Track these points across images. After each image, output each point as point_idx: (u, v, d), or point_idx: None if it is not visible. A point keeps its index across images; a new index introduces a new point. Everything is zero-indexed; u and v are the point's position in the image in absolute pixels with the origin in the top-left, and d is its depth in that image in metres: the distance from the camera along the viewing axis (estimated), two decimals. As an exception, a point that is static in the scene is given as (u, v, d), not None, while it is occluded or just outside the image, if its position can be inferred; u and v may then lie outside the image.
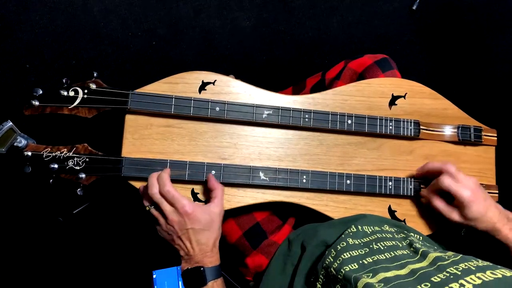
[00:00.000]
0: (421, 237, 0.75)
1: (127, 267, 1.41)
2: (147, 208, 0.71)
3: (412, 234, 0.74)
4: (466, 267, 0.51)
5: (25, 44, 1.40)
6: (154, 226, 0.73)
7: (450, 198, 0.76)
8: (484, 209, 0.72)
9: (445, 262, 0.54)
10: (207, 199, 0.76)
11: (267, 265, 0.81)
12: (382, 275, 0.56)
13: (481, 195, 0.73)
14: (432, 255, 0.58)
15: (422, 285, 0.50)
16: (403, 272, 0.56)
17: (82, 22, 1.44)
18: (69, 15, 1.43)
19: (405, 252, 0.63)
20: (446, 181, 0.74)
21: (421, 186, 0.82)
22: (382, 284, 0.53)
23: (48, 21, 1.42)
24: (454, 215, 0.74)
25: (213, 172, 0.74)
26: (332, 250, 0.68)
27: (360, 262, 0.62)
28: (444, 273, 0.51)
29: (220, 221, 0.72)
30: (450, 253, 0.58)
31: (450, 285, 0.47)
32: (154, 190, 0.68)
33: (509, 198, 1.01)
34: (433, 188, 0.78)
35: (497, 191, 0.89)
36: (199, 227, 0.68)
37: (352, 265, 0.61)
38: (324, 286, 0.63)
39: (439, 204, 0.77)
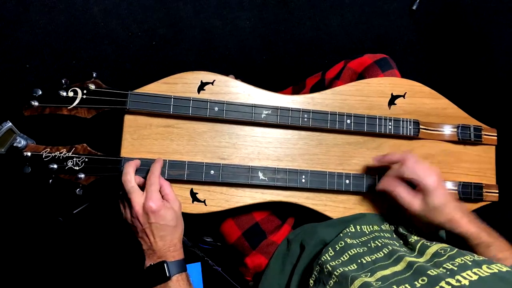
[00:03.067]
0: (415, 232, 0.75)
1: (127, 267, 1.41)
2: (120, 193, 0.70)
3: (408, 230, 0.74)
4: (462, 261, 0.51)
5: (25, 44, 1.40)
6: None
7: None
8: (445, 200, 0.70)
9: (442, 258, 0.54)
10: (206, 199, 0.76)
11: (266, 264, 0.81)
12: (380, 274, 0.56)
13: (442, 185, 0.72)
14: (430, 251, 0.58)
15: (419, 280, 0.50)
16: (399, 267, 0.57)
17: (82, 22, 1.44)
18: (69, 15, 1.43)
19: (402, 249, 0.63)
20: (408, 171, 0.72)
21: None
22: (380, 283, 0.53)
23: (48, 21, 1.42)
24: (416, 204, 0.71)
25: (212, 172, 0.74)
26: (330, 249, 0.68)
27: (359, 261, 0.62)
28: (441, 268, 0.51)
29: (181, 215, 0.72)
30: (446, 245, 0.58)
31: (447, 280, 0.47)
32: (128, 177, 0.67)
33: (509, 198, 1.01)
34: (393, 175, 0.75)
35: (497, 191, 0.89)
36: (163, 222, 0.67)
37: (352, 265, 0.61)
38: (316, 282, 0.63)
39: (402, 191, 0.73)
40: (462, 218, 0.70)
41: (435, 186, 0.70)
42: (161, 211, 0.67)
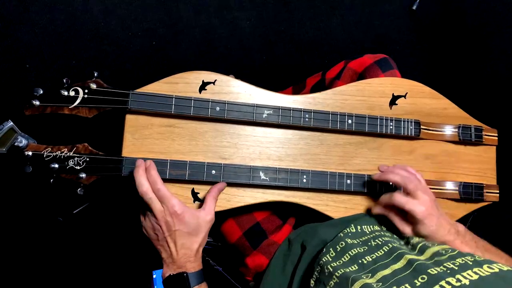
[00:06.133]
0: None
1: (127, 267, 1.41)
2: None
3: None
4: (463, 261, 0.51)
5: (25, 44, 1.40)
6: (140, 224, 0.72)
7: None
8: (436, 227, 0.69)
9: (442, 258, 0.54)
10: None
11: (267, 265, 0.81)
12: (380, 274, 0.56)
13: (434, 213, 0.70)
14: (430, 250, 0.58)
15: (419, 279, 0.50)
16: (400, 264, 0.57)
17: (82, 22, 1.44)
18: (69, 15, 1.43)
19: (403, 247, 0.63)
20: (399, 199, 0.71)
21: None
22: (381, 284, 0.53)
23: (48, 21, 1.42)
24: (407, 230, 0.71)
25: (213, 172, 0.74)
26: (331, 249, 0.68)
27: (359, 261, 0.62)
28: (441, 267, 0.51)
29: (207, 230, 0.71)
30: (447, 246, 0.58)
31: (447, 279, 0.47)
32: (144, 188, 0.67)
33: (510, 198, 1.01)
34: (386, 201, 0.75)
35: (498, 191, 0.89)
36: (186, 230, 0.67)
37: (352, 266, 0.61)
38: (317, 282, 0.63)
39: (394, 218, 0.73)
40: (454, 241, 0.69)
41: (424, 216, 0.68)
42: (185, 217, 0.67)
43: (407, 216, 0.71)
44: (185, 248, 0.68)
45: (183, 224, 0.67)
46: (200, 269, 0.69)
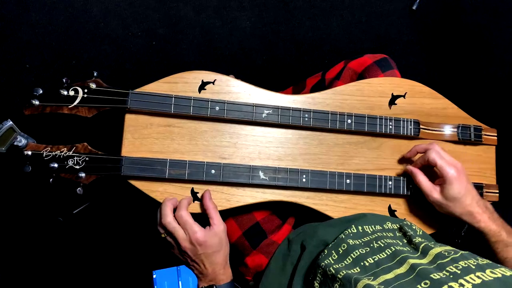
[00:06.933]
0: (421, 231, 0.74)
1: (127, 267, 1.41)
2: (162, 236, 0.72)
3: (413, 229, 0.73)
4: (466, 265, 0.51)
5: (25, 44, 1.40)
6: (157, 231, 0.74)
7: (433, 178, 0.77)
8: (465, 191, 0.72)
9: (445, 260, 0.54)
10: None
11: (266, 264, 0.81)
12: (382, 278, 0.56)
13: (464, 178, 0.74)
14: (433, 252, 0.58)
15: (422, 284, 0.50)
16: (403, 269, 0.56)
17: (82, 22, 1.44)
18: (69, 15, 1.43)
19: (405, 249, 0.63)
20: (433, 155, 0.75)
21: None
22: (383, 286, 0.53)
23: (48, 21, 1.42)
24: (435, 193, 0.75)
25: (213, 171, 0.74)
26: (333, 252, 0.67)
27: (362, 264, 0.62)
28: (444, 271, 0.51)
29: (226, 237, 0.74)
30: (449, 248, 0.58)
31: (449, 284, 0.47)
32: (168, 219, 0.70)
33: (509, 198, 1.01)
34: (419, 162, 0.79)
35: (497, 191, 0.89)
36: (211, 251, 0.71)
37: (355, 269, 0.61)
38: (322, 285, 0.63)
39: (422, 179, 0.77)
40: (483, 214, 0.72)
41: (455, 176, 0.72)
42: (208, 241, 0.70)
43: (436, 180, 0.76)
44: (214, 264, 0.72)
45: (207, 247, 0.70)
46: (230, 281, 0.73)
